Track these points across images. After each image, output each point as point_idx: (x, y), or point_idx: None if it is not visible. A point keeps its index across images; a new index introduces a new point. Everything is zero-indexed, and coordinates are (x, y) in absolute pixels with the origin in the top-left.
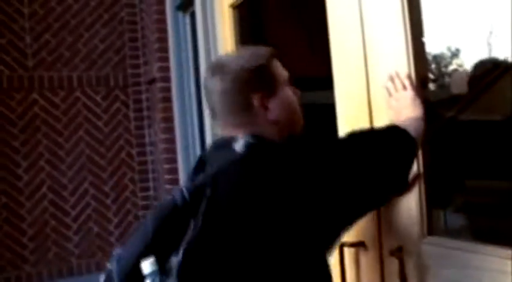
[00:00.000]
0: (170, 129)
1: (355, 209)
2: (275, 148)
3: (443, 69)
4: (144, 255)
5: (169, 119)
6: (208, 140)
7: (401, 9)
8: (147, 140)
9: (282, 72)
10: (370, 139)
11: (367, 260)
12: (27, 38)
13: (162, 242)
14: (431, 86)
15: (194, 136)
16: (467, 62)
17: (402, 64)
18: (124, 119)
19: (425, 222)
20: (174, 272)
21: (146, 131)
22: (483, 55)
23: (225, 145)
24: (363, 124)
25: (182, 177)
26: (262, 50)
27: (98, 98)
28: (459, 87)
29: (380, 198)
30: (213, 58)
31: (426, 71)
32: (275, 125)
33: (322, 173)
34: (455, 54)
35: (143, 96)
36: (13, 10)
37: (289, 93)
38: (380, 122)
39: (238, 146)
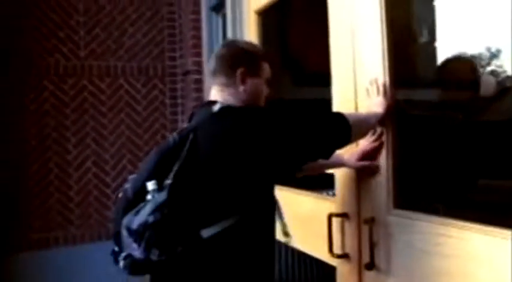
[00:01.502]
0: None
1: (289, 161)
2: (240, 110)
3: (481, 70)
4: (148, 178)
5: None
6: None
7: (380, 27)
8: (180, 124)
9: (267, 70)
10: (314, 117)
11: (350, 228)
12: (81, 32)
13: (160, 169)
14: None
15: None
16: (507, 62)
17: (379, 71)
18: (160, 105)
19: (391, 197)
20: (166, 189)
21: (180, 117)
22: None
23: (207, 105)
24: (350, 109)
25: None
26: (263, 50)
27: (139, 86)
28: (486, 91)
29: (309, 158)
30: None
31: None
32: (242, 96)
33: (268, 133)
34: (495, 54)
35: (178, 86)
36: (70, 7)
37: (263, 85)
38: (362, 109)
39: (215, 107)
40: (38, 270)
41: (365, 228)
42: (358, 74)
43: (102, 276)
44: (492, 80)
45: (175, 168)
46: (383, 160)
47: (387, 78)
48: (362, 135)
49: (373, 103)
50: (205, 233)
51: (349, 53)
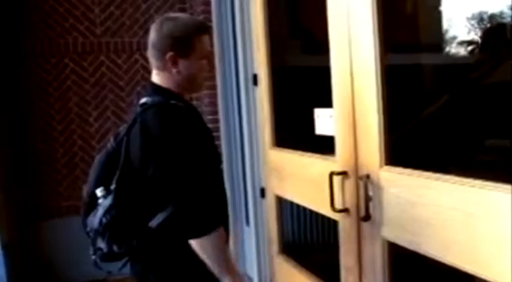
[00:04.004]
0: (213, 96)
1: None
2: (158, 114)
3: None
4: (97, 185)
5: (212, 86)
6: (243, 98)
7: (371, 4)
8: (193, 95)
9: (202, 47)
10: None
11: (349, 184)
12: (96, 10)
13: (105, 176)
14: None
15: (232, 94)
16: None
17: (370, 46)
18: None
19: (383, 156)
20: (111, 193)
21: None
22: None
23: (136, 104)
24: (346, 77)
25: (222, 125)
26: (193, 25)
27: None
28: None
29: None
30: (246, 27)
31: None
32: (177, 78)
33: (171, 148)
34: None
35: None
36: None
37: (200, 64)
38: (359, 71)
39: (139, 106)
40: (68, 234)
41: (361, 184)
42: (352, 42)
43: None
44: None
45: (117, 173)
46: (375, 120)
47: (378, 58)
48: (209, 254)
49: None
50: (153, 223)
51: (344, 22)
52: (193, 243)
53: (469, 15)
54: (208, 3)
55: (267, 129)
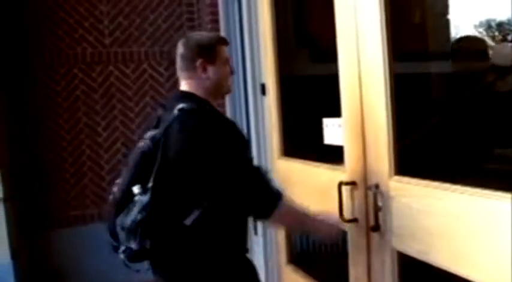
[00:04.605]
0: (221, 105)
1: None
2: (195, 116)
3: (509, 37)
4: (132, 182)
5: None
6: (251, 108)
7: (379, 13)
8: None
9: (224, 54)
10: (254, 174)
11: (358, 194)
12: (105, 21)
13: (142, 174)
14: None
15: (240, 104)
16: None
17: (379, 54)
18: None
19: (392, 166)
20: (149, 191)
21: None
22: None
23: (170, 109)
24: (355, 86)
25: None
26: (215, 36)
27: (161, 69)
28: (501, 59)
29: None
30: (254, 37)
31: (447, 47)
32: (207, 83)
33: (213, 148)
34: None
35: None
36: None
37: (225, 70)
38: (367, 80)
39: (176, 110)
40: (76, 244)
41: (370, 194)
42: (361, 50)
43: None
44: (508, 48)
45: (154, 171)
46: (384, 129)
47: (387, 60)
48: (286, 223)
49: (324, 218)
50: (188, 221)
51: (353, 30)
52: (269, 221)
53: (477, 23)
54: (216, 13)
55: (275, 139)
